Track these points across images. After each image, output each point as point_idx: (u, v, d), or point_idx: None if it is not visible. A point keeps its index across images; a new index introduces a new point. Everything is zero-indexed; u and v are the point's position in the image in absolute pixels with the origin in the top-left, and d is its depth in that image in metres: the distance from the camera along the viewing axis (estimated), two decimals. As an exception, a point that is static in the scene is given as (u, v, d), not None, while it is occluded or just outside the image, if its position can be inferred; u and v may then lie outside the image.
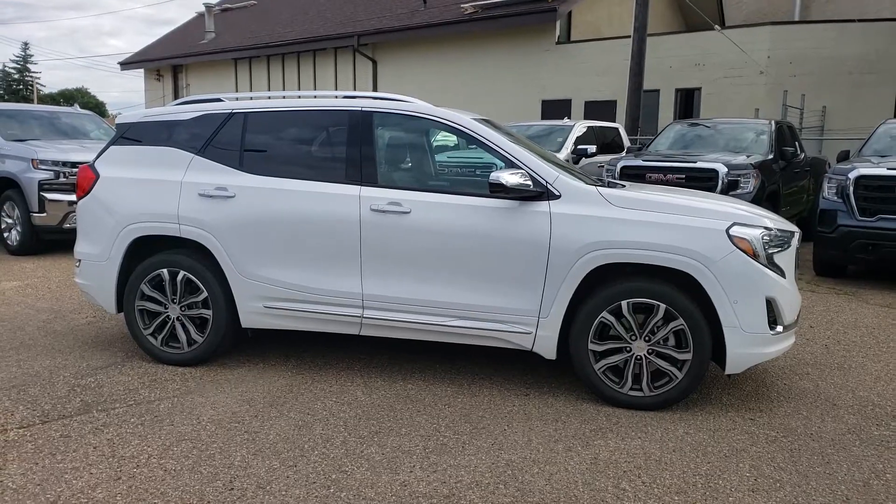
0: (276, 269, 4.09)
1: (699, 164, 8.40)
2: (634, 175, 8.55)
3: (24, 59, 65.72)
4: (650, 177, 8.50)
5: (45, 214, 8.09)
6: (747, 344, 3.61)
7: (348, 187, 4.02)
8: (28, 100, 55.83)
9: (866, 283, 7.52)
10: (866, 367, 4.57)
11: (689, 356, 3.67)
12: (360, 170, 4.04)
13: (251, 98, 4.45)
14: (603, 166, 9.38)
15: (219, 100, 4.46)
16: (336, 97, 4.42)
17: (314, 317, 4.09)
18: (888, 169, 7.18)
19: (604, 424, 3.54)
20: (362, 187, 4.01)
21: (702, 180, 8.17)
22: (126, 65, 27.35)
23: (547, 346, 3.86)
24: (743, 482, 2.93)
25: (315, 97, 4.55)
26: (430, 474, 2.95)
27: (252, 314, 4.17)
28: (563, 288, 3.76)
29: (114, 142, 4.45)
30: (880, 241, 7.04)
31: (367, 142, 4.09)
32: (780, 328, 3.68)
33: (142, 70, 27.21)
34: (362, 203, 3.96)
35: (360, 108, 4.15)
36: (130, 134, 4.40)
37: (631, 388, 3.77)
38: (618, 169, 8.76)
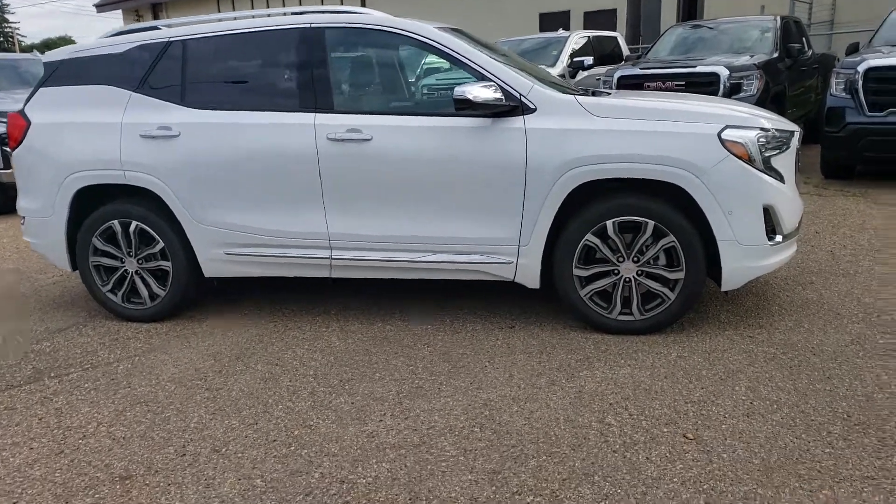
0: (232, 212, 3.85)
1: (699, 69, 7.97)
2: (633, 85, 8.15)
3: (0, 10, 63.52)
4: (648, 86, 8.11)
5: (11, 171, 7.82)
6: (744, 257, 3.39)
7: (302, 116, 3.72)
8: (10, 52, 54.26)
9: (875, 184, 7.22)
10: (873, 271, 4.36)
11: (681, 275, 3.46)
12: (315, 95, 3.74)
13: (192, 23, 4.10)
14: (600, 79, 8.95)
15: (156, 28, 4.11)
16: (284, 14, 4.06)
17: (280, 261, 3.88)
18: (900, 57, 6.77)
19: (591, 353, 3.37)
20: (317, 115, 3.71)
21: (703, 85, 7.78)
22: (102, 6, 26.33)
23: (529, 276, 3.65)
24: (738, 406, 2.77)
25: (268, 16, 4.19)
26: (401, 422, 2.80)
27: (213, 262, 3.97)
28: (544, 212, 3.51)
29: (43, 83, 4.13)
30: (891, 137, 6.70)
31: (320, 62, 3.76)
32: (779, 238, 3.44)
33: (119, 12, 26.24)
34: (318, 132, 3.68)
35: (308, 25, 3.80)
36: (61, 73, 4.08)
37: (620, 313, 3.58)
38: (615, 80, 8.34)
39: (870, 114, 6.81)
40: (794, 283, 4.23)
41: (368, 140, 3.63)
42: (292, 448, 2.64)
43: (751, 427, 2.60)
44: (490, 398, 2.96)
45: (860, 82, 6.86)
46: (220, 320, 4.09)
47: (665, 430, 2.63)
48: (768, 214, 3.38)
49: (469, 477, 2.41)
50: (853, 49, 8.30)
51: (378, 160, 3.63)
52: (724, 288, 3.47)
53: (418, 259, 3.74)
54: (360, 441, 2.67)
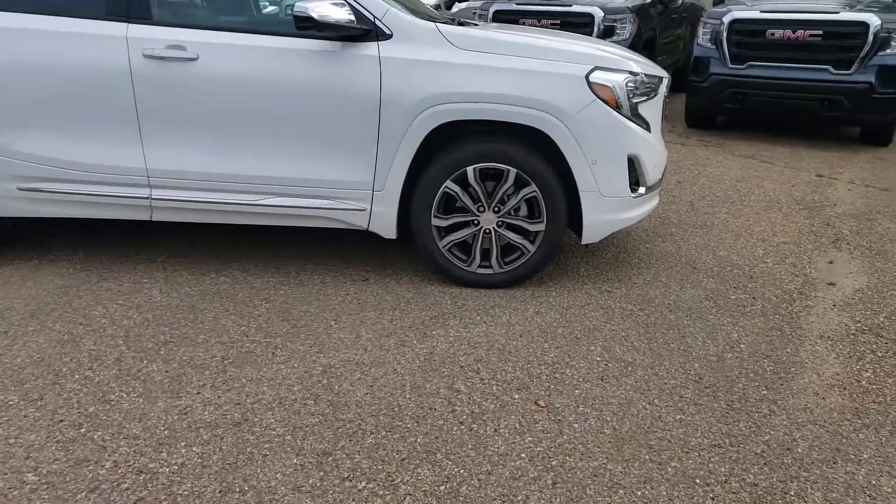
0: (24, 139, 3.19)
1: (575, 8, 7.81)
2: (508, 20, 7.86)
3: None
4: (523, 22, 7.86)
5: None
6: (606, 210, 3.24)
7: (111, 25, 3.09)
8: None
9: (733, 134, 7.48)
10: (728, 223, 4.43)
11: (542, 227, 3.26)
12: (127, 0, 3.11)
13: None
14: (476, 12, 8.58)
15: None
16: None
17: (87, 200, 3.29)
18: (762, 12, 6.92)
19: (447, 310, 3.13)
20: (131, 25, 3.10)
21: (578, 25, 7.63)
22: None
23: (385, 224, 3.32)
24: (592, 369, 2.64)
25: None
26: (223, 394, 2.43)
27: (3, 200, 3.31)
28: (400, 154, 3.17)
29: None
30: (749, 90, 6.91)
31: (135, -38, 3.12)
32: (642, 190, 3.33)
33: None
34: (132, 47, 3.07)
35: (118, -86, 3.13)
36: None
37: (480, 266, 3.36)
38: (490, 13, 8.01)
39: (732, 66, 6.95)
40: (654, 234, 4.21)
41: (194, 59, 3.08)
42: (83, 430, 2.21)
43: (604, 392, 2.48)
44: (331, 363, 2.66)
45: (724, 34, 6.96)
46: (20, 268, 3.46)
47: (516, 396, 2.45)
48: (633, 165, 3.23)
49: (295, 461, 2.11)
50: (720, 0, 8.46)
51: (206, 84, 3.11)
52: (584, 241, 3.32)
53: (256, 202, 3.29)
54: (170, 419, 2.28)
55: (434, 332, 2.92)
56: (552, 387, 2.51)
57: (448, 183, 3.22)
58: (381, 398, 2.43)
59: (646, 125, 3.27)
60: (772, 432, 2.24)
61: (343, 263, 3.66)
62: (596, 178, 3.17)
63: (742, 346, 2.83)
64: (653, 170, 3.36)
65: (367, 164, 3.21)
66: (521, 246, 3.31)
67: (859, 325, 3.02)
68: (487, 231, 3.30)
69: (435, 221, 3.29)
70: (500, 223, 3.29)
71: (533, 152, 3.18)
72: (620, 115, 3.14)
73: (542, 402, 2.41)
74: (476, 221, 3.30)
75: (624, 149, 3.17)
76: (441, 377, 2.57)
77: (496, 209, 3.26)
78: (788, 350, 2.79)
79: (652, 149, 3.32)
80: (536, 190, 3.20)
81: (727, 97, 7.03)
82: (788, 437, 2.22)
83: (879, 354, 2.75)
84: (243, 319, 3.01)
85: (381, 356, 2.71)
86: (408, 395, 2.45)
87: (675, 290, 3.39)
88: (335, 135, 3.18)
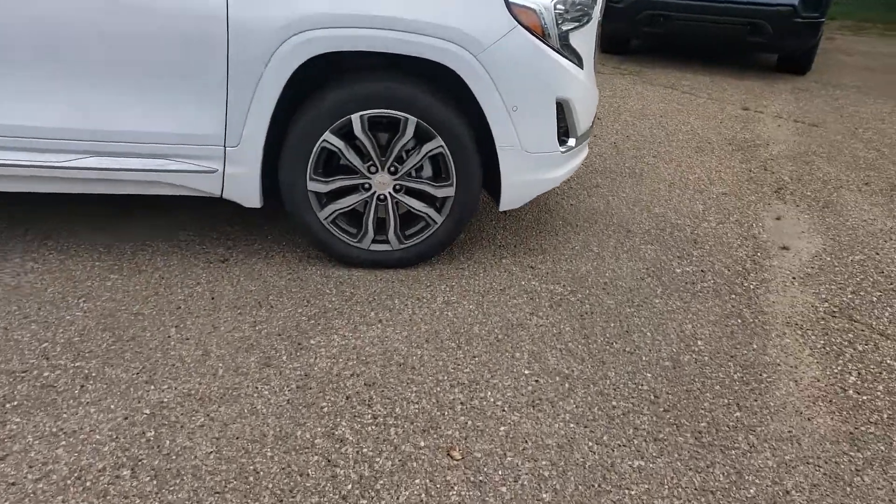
0: None
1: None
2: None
3: None
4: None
5: None
6: (529, 168, 2.58)
7: None
8: None
9: (648, 61, 6.96)
10: (659, 170, 3.90)
11: (451, 191, 2.57)
12: None
13: None
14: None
15: None
16: None
17: None
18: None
19: (331, 304, 2.43)
20: None
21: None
22: None
23: (244, 190, 2.52)
24: (520, 390, 2.03)
25: None
26: (-17, 476, 1.65)
27: None
28: (260, 97, 2.35)
29: None
30: (672, 13, 6.34)
31: None
32: (572, 142, 2.67)
33: None
34: None
35: None
36: None
37: (374, 241, 2.65)
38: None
39: (653, -15, 6.35)
40: (579, 186, 3.61)
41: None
42: None
43: (538, 429, 1.88)
44: (164, 400, 1.91)
45: (646, -52, 6.31)
46: None
47: (422, 443, 1.81)
48: (562, 111, 2.56)
49: None
50: None
51: (-36, -2, 2.14)
52: (502, 207, 2.66)
53: (64, 164, 2.40)
54: None
55: (312, 342, 2.21)
56: (469, 423, 1.89)
57: (327, 136, 2.44)
58: (230, 460, 1.72)
59: (577, 59, 2.59)
60: (757, 482, 1.72)
61: (197, 236, 2.84)
62: (517, 129, 2.48)
63: (699, 342, 2.31)
64: (585, 116, 2.71)
65: (215, 111, 2.38)
66: (424, 216, 2.61)
67: (827, 305, 2.57)
68: (382, 197, 2.58)
69: (312, 186, 2.52)
70: (397, 187, 2.56)
71: (438, 96, 2.44)
72: (547, 48, 2.44)
73: (456, 453, 1.78)
74: (367, 185, 2.56)
75: (552, 91, 2.49)
76: (319, 417, 1.88)
77: (392, 169, 2.53)
78: (754, 346, 2.29)
79: (584, 89, 2.65)
80: (443, 145, 2.48)
81: (646, 20, 6.46)
82: (779, 487, 1.71)
83: (859, 348, 2.30)
84: (48, 330, 2.18)
85: (236, 385, 1.99)
86: (269, 453, 1.75)
87: (611, 263, 2.82)
88: (168, 70, 2.31)
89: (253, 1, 2.26)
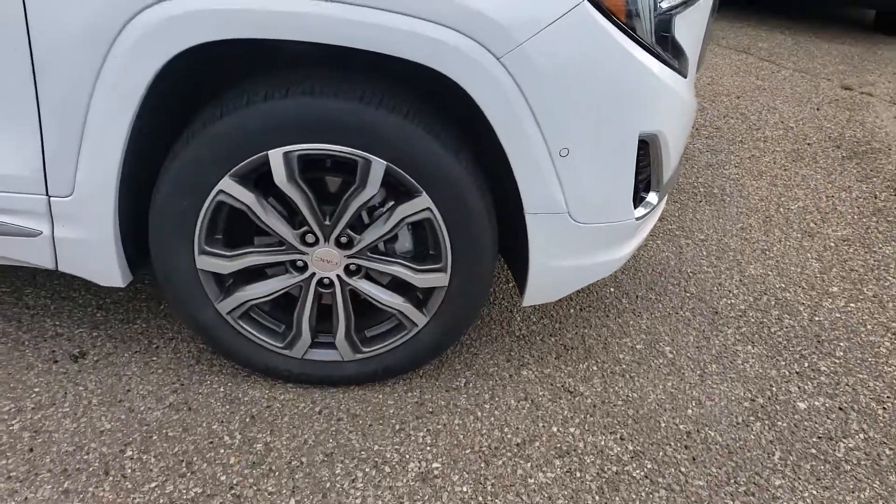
0: None
1: None
2: None
3: None
4: None
5: None
6: (577, 248, 1.52)
7: None
8: None
9: (717, 15, 5.70)
10: (745, 189, 2.81)
11: (441, 279, 1.52)
12: None
13: None
14: None
15: None
16: None
17: None
18: None
19: (225, 475, 1.44)
20: None
21: None
22: None
23: (94, 262, 1.49)
24: None
25: None
26: None
27: None
28: (95, 122, 1.30)
29: None
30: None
31: None
32: (652, 198, 1.61)
33: None
34: None
35: None
36: None
37: (313, 347, 1.63)
38: None
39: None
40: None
41: None
42: None
43: None
44: None
45: None
46: None
47: None
48: (646, 153, 1.49)
49: None
50: None
51: None
52: (527, 301, 1.62)
53: None
54: None
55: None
56: None
57: (225, 184, 1.39)
58: None
59: (679, 60, 1.49)
60: None
61: (36, 314, 1.84)
62: (564, 185, 1.41)
63: None
64: (676, 154, 1.62)
65: (23, 139, 1.33)
66: (395, 312, 1.59)
67: None
68: (326, 282, 1.55)
69: (204, 263, 1.49)
70: (352, 267, 1.53)
71: (428, 122, 1.37)
72: (632, 42, 1.34)
73: None
74: (300, 263, 1.52)
75: (634, 121, 1.40)
76: None
77: (343, 240, 1.48)
78: None
79: (683, 112, 1.56)
80: (432, 207, 1.43)
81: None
82: None
83: None
84: None
85: None
86: None
87: (693, 382, 1.80)
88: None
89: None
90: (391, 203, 1.48)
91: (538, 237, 1.48)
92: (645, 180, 1.55)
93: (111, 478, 1.39)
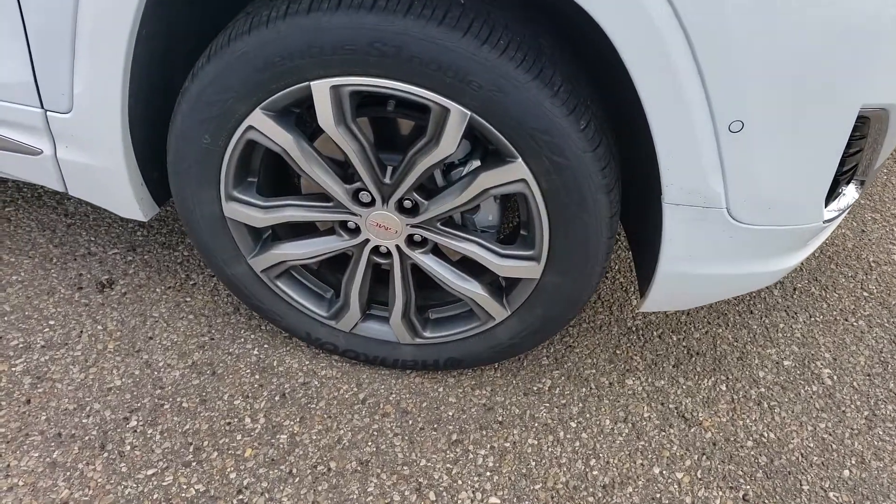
0: None
1: None
2: None
3: None
4: None
5: None
6: (729, 253, 1.09)
7: None
8: None
9: None
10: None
11: (532, 269, 1.15)
12: None
13: None
14: None
15: None
16: None
17: None
18: None
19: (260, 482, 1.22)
20: None
21: None
22: None
23: (107, 191, 1.23)
24: None
25: None
26: None
27: None
28: (89, 16, 0.97)
29: None
30: None
31: None
32: (850, 192, 1.12)
33: None
34: None
35: None
36: None
37: (365, 319, 1.33)
38: None
39: None
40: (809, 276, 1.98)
41: None
42: None
43: None
44: None
45: None
46: None
47: None
48: (861, 133, 1.00)
49: None
50: None
51: None
52: (646, 307, 1.22)
53: None
54: None
55: None
56: None
57: (256, 117, 1.05)
58: None
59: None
60: None
61: (60, 239, 1.64)
62: (728, 170, 0.97)
63: None
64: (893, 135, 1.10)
65: (5, 38, 1.03)
66: (467, 300, 1.24)
67: None
68: (384, 251, 1.21)
69: (232, 210, 1.19)
70: (417, 238, 1.18)
71: (531, 60, 0.95)
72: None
73: None
74: (351, 225, 1.19)
75: (859, 87, 0.91)
76: None
77: (407, 204, 1.13)
78: None
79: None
80: (529, 179, 1.03)
81: None
82: None
83: None
84: None
85: None
86: None
87: (857, 438, 1.37)
88: None
89: None
90: (474, 165, 1.10)
91: (677, 235, 1.06)
92: (849, 172, 1.07)
93: (106, 454, 1.20)
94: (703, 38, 0.84)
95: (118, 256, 1.55)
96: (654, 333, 1.52)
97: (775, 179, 0.99)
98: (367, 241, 1.19)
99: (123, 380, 1.32)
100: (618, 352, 1.48)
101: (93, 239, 1.58)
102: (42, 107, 1.12)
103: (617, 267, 1.67)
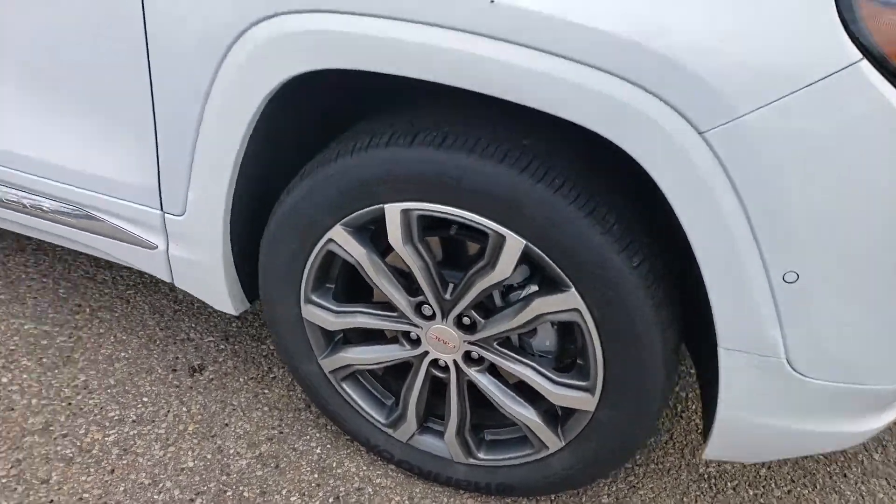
0: None
1: None
2: None
3: None
4: None
5: None
6: (797, 409, 1.05)
7: None
8: None
9: None
10: None
11: (587, 400, 1.15)
12: None
13: None
14: None
15: None
16: None
17: None
18: None
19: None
20: None
21: None
22: None
23: (207, 286, 1.38)
24: None
25: None
26: None
27: None
28: (207, 139, 1.14)
29: None
30: None
31: None
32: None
33: None
34: None
35: None
36: None
37: (422, 430, 1.37)
38: None
39: None
40: None
41: None
42: None
43: None
44: None
45: None
46: None
47: None
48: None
49: None
50: None
51: None
52: (709, 454, 1.18)
53: (21, 200, 1.47)
54: None
55: None
56: None
57: (336, 232, 1.16)
58: None
59: None
60: None
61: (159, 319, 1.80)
62: (785, 321, 0.95)
63: None
64: None
65: (137, 141, 1.23)
66: (520, 423, 1.25)
67: None
68: (442, 365, 1.26)
69: (310, 313, 1.29)
70: (474, 355, 1.22)
71: (585, 197, 1.01)
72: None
73: None
74: (413, 336, 1.26)
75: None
76: None
77: (466, 321, 1.18)
78: None
79: None
80: (582, 310, 1.06)
81: None
82: None
83: None
84: None
85: None
86: None
87: None
88: (69, 69, 1.21)
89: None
90: (531, 289, 1.14)
91: (734, 381, 1.04)
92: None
93: (167, 533, 1.28)
94: (754, 197, 0.87)
95: (212, 344, 1.70)
96: (728, 484, 1.44)
97: (841, 335, 0.97)
98: (426, 352, 1.25)
99: (196, 462, 1.42)
100: (685, 500, 1.41)
101: (193, 326, 1.74)
102: (162, 209, 1.29)
103: (693, 407, 1.61)
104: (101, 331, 1.71)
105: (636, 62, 0.84)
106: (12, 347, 1.65)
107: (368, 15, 0.92)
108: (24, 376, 1.58)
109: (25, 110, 1.31)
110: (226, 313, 1.75)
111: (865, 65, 0.79)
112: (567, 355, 1.23)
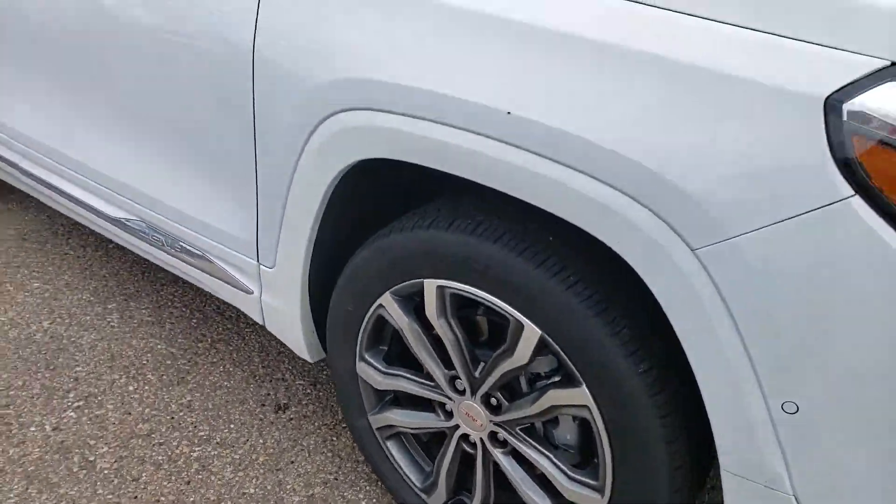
0: None
1: None
2: None
3: None
4: None
5: None
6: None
7: None
8: None
9: None
10: None
11: (597, 498, 1.16)
12: None
13: None
14: None
15: None
16: None
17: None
18: None
19: None
20: None
21: None
22: None
23: (288, 331, 1.56)
24: None
25: None
26: None
27: None
28: (296, 197, 1.34)
29: None
30: None
31: None
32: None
33: None
34: None
35: None
36: None
37: (450, 502, 1.42)
38: None
39: None
40: None
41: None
42: None
43: None
44: None
45: None
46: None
47: None
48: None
49: None
50: None
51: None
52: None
53: (127, 219, 1.81)
54: None
55: None
56: None
57: (386, 299, 1.29)
58: None
59: None
60: None
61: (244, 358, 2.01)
62: (788, 453, 0.91)
63: None
64: None
65: (243, 202, 1.46)
66: (537, 510, 1.26)
67: None
68: (471, 440, 1.32)
69: (363, 370, 1.41)
70: (499, 437, 1.27)
71: (596, 297, 1.05)
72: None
73: None
74: (447, 408, 1.33)
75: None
76: None
77: (493, 401, 1.24)
78: None
79: None
80: (592, 408, 1.09)
81: None
82: None
83: None
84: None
85: None
86: None
87: None
88: (193, 129, 1.49)
89: (281, 49, 1.23)
90: (553, 380, 1.18)
91: (737, 506, 1.00)
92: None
93: (213, 547, 1.43)
94: (747, 319, 0.87)
95: (301, 387, 1.88)
96: None
97: (850, 471, 0.91)
98: (457, 426, 1.32)
99: (256, 490, 1.58)
100: None
101: (290, 368, 1.94)
102: (258, 261, 1.50)
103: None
104: (215, 360, 1.96)
105: (632, 176, 0.89)
106: (144, 362, 1.94)
107: (395, 113, 1.07)
108: (146, 388, 1.86)
109: (173, 173, 1.60)
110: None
111: (857, 200, 0.78)
112: (589, 453, 1.24)
